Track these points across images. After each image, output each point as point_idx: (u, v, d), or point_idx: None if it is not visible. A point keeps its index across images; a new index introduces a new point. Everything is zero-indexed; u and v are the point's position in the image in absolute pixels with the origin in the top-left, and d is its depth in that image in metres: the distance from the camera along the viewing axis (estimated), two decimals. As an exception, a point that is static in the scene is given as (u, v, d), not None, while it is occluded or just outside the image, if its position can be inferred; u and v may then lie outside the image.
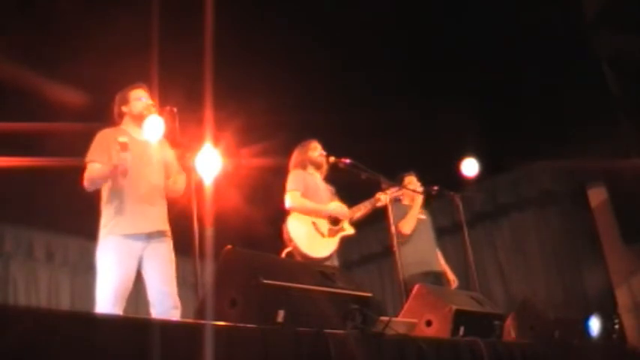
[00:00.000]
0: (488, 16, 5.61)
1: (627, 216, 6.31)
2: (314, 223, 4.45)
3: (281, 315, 2.27)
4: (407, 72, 5.97)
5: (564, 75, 5.86)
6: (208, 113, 4.36)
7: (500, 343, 3.32)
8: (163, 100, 3.72)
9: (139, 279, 3.62)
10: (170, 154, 3.89)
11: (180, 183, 3.81)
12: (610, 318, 5.52)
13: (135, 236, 3.56)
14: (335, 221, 4.56)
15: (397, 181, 4.97)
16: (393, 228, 4.33)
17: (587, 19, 5.76)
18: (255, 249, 2.54)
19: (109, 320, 1.97)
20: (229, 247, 2.42)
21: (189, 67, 4.56)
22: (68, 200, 3.99)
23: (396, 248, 4.24)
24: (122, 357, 1.69)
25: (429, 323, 3.24)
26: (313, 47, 5.63)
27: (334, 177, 4.80)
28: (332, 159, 4.54)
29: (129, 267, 3.52)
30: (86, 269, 6.23)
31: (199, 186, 3.55)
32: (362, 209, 4.65)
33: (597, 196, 6.74)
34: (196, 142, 3.67)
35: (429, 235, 5.22)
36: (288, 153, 4.82)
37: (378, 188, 4.59)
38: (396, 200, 4.94)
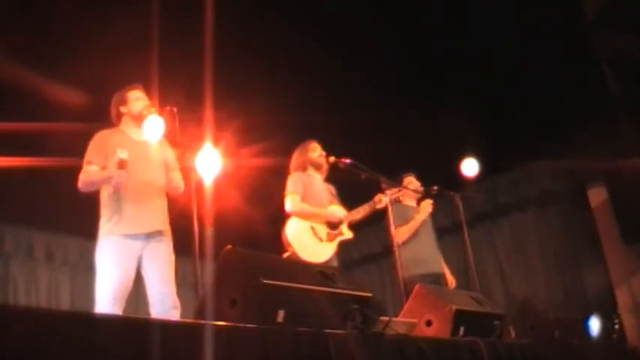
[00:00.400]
0: (488, 16, 5.61)
1: (627, 216, 6.31)
2: (312, 228, 4.46)
3: (281, 315, 2.27)
4: (407, 72, 5.97)
5: (564, 75, 5.86)
6: (208, 113, 4.36)
7: (500, 343, 3.32)
8: (163, 100, 3.72)
9: (138, 279, 3.62)
10: (170, 154, 3.89)
11: (176, 180, 3.81)
12: (610, 318, 5.52)
13: (134, 236, 3.56)
14: (333, 225, 4.56)
15: (397, 181, 4.96)
16: (392, 228, 4.33)
17: (587, 19, 5.76)
18: (255, 249, 2.54)
19: (108, 320, 1.97)
20: (229, 247, 2.42)
21: (189, 67, 4.56)
22: (68, 200, 3.98)
23: (396, 248, 4.24)
24: (122, 357, 1.69)
25: (429, 323, 3.24)
26: (313, 47, 5.63)
27: (334, 177, 4.80)
28: (332, 159, 4.55)
29: (128, 267, 3.52)
30: (86, 269, 6.23)
31: (199, 186, 3.55)
32: (361, 212, 4.65)
33: (597, 196, 6.74)
34: (196, 142, 3.67)
35: (429, 236, 5.21)
36: (288, 153, 4.82)
37: (378, 188, 4.59)
38: (396, 201, 4.94)
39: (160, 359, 1.72)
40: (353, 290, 2.71)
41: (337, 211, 4.62)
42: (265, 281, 2.26)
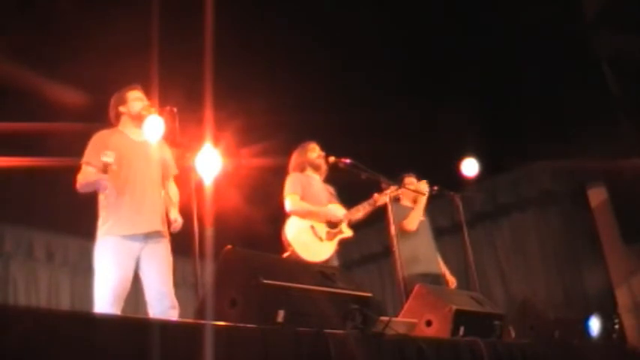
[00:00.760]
0: (488, 16, 5.62)
1: (627, 216, 6.31)
2: (312, 227, 4.46)
3: (281, 315, 2.27)
4: (407, 72, 5.97)
5: (564, 75, 5.86)
6: (208, 113, 4.36)
7: (500, 343, 3.32)
8: (163, 100, 3.72)
9: (137, 279, 3.62)
10: (168, 154, 3.89)
11: (175, 195, 3.82)
12: (610, 318, 5.52)
13: (132, 237, 3.56)
14: (333, 224, 4.57)
15: (397, 181, 4.96)
16: (392, 228, 4.33)
17: (587, 19, 5.76)
18: (255, 249, 2.54)
19: (108, 320, 1.97)
20: (229, 247, 2.42)
21: (189, 67, 4.57)
22: (68, 200, 3.98)
23: (396, 248, 4.24)
24: (122, 357, 1.69)
25: (429, 323, 3.24)
26: (313, 47, 5.63)
27: (334, 177, 4.80)
28: (332, 159, 4.55)
29: (127, 267, 3.52)
30: (86, 269, 6.19)
31: (199, 186, 3.55)
32: (361, 210, 4.65)
33: (597, 196, 6.74)
34: (196, 142, 3.67)
35: (428, 237, 5.21)
36: (288, 153, 4.82)
37: (378, 188, 4.59)
38: (396, 200, 4.94)
39: (159, 359, 1.72)
40: (353, 290, 2.71)
41: (337, 209, 4.62)
42: (265, 281, 2.26)
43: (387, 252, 6.25)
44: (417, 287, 3.41)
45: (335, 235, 4.55)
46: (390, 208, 4.41)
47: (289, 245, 4.34)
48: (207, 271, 3.00)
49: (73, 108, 4.91)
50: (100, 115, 3.95)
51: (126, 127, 3.82)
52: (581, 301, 6.53)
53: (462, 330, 3.23)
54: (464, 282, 5.26)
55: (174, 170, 3.93)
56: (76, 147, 3.74)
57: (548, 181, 7.15)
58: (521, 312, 4.29)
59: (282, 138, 5.36)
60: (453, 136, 5.79)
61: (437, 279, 5.05)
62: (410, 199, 5.25)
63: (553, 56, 5.76)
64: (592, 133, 5.71)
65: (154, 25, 4.56)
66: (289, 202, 4.47)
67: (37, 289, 6.82)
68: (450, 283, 5.19)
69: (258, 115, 5.47)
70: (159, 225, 3.69)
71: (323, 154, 4.67)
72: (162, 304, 3.53)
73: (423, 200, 5.09)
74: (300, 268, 2.77)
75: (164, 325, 1.90)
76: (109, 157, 3.49)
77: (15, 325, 1.47)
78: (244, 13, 5.15)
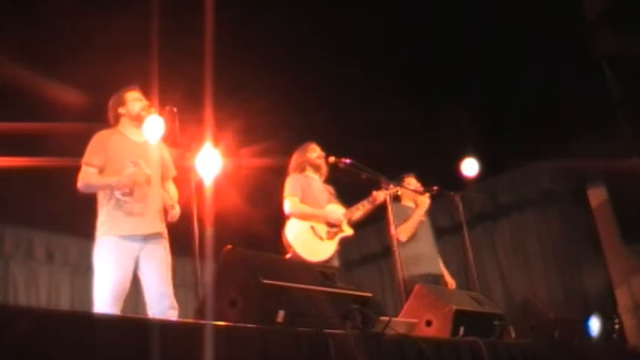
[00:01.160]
0: (488, 16, 5.61)
1: (627, 216, 6.31)
2: (312, 228, 4.47)
3: (281, 315, 2.27)
4: (407, 72, 5.97)
5: (564, 75, 5.85)
6: (208, 113, 4.36)
7: (500, 343, 3.32)
8: (163, 100, 3.72)
9: (137, 280, 3.62)
10: (168, 155, 3.90)
11: (172, 205, 3.81)
12: (610, 318, 5.52)
13: (132, 237, 3.56)
14: (333, 224, 4.57)
15: (397, 181, 4.96)
16: (392, 228, 4.33)
17: (587, 18, 5.75)
18: (255, 249, 2.54)
19: (108, 320, 1.97)
20: (229, 247, 2.42)
21: (189, 67, 4.56)
22: (68, 200, 3.98)
23: (395, 248, 4.24)
24: (122, 357, 1.69)
25: (429, 323, 3.24)
26: (313, 47, 5.63)
27: (334, 177, 4.80)
28: (332, 159, 4.55)
29: (126, 268, 3.53)
30: (86, 269, 6.20)
31: (199, 186, 3.55)
32: (360, 208, 4.65)
33: (597, 196, 6.74)
34: (196, 142, 3.67)
35: (428, 237, 5.21)
36: (288, 153, 4.83)
37: (378, 188, 4.59)
38: (396, 200, 4.94)
39: (159, 359, 1.72)
40: (353, 290, 2.71)
41: (336, 210, 4.62)
42: (265, 281, 2.26)
43: (387, 252, 6.26)
44: (417, 287, 3.41)
45: (335, 234, 4.55)
46: (390, 207, 4.41)
47: (290, 246, 4.35)
48: (207, 271, 3.00)
49: (73, 108, 4.91)
50: (100, 115, 3.95)
51: (125, 127, 3.82)
52: (581, 301, 6.53)
53: (462, 330, 3.23)
54: (464, 282, 5.27)
55: (173, 171, 3.94)
56: (76, 147, 3.75)
57: (548, 181, 7.14)
58: (521, 312, 4.29)
59: (282, 138, 5.36)
60: (453, 136, 5.79)
61: (437, 280, 5.06)
62: (411, 199, 5.25)
63: (553, 56, 5.76)
64: (592, 133, 5.71)
65: (153, 25, 4.56)
66: (288, 205, 4.48)
67: (37, 289, 6.81)
68: (449, 285, 5.18)
69: (258, 115, 5.46)
70: (158, 226, 3.69)
71: (323, 154, 4.67)
72: (161, 304, 3.53)
73: (421, 211, 5.09)
74: (300, 268, 2.77)
75: (164, 325, 1.90)
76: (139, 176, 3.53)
77: (15, 325, 1.47)
78: (244, 13, 5.15)
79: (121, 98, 3.84)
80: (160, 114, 3.62)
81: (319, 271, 2.70)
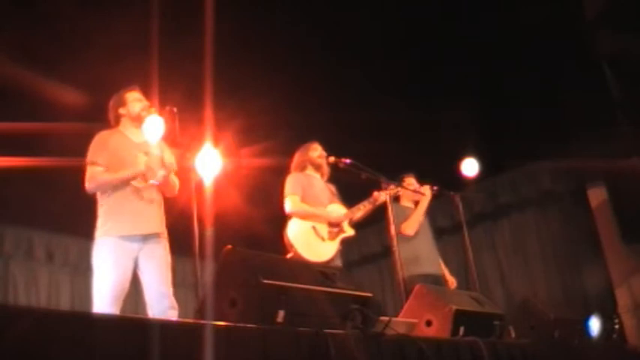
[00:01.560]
0: (488, 15, 5.61)
1: (627, 216, 6.31)
2: (314, 228, 4.46)
3: (281, 315, 2.27)
4: (407, 72, 5.97)
5: (564, 75, 5.85)
6: (208, 113, 4.36)
7: (500, 343, 3.32)
8: (163, 100, 3.72)
9: (137, 280, 3.62)
10: (167, 155, 3.89)
11: (173, 182, 3.79)
12: (610, 318, 5.51)
13: (131, 238, 3.56)
14: (334, 224, 4.56)
15: (397, 181, 4.96)
16: (392, 228, 4.33)
17: (587, 18, 5.75)
18: (255, 249, 2.54)
19: (108, 320, 1.97)
20: (229, 247, 2.42)
21: (189, 67, 4.56)
22: (68, 200, 3.99)
23: (396, 248, 4.24)
24: (122, 357, 1.69)
25: (429, 323, 3.24)
26: (313, 47, 5.63)
27: (334, 177, 4.80)
28: (332, 159, 4.55)
29: (125, 268, 3.53)
30: (86, 269, 6.18)
31: (199, 186, 3.55)
32: (361, 209, 4.65)
33: (597, 196, 6.74)
34: (196, 142, 3.67)
35: (428, 237, 5.21)
36: (288, 153, 4.82)
37: (378, 188, 4.59)
38: (396, 201, 4.94)
39: (159, 359, 1.72)
40: (353, 290, 2.71)
41: (337, 210, 4.62)
42: (265, 281, 2.26)
43: (387, 252, 6.26)
44: (417, 287, 3.41)
45: (337, 234, 4.55)
46: (390, 208, 4.40)
47: (291, 246, 4.34)
48: (207, 271, 3.00)
49: (73, 108, 4.91)
50: (100, 115, 3.96)
51: (126, 128, 3.82)
52: (581, 301, 6.53)
53: (462, 330, 3.23)
54: (464, 282, 5.26)
55: (173, 167, 3.92)
56: (76, 147, 3.75)
57: (548, 181, 7.14)
58: (521, 312, 4.29)
59: (282, 138, 5.36)
60: (452, 136, 5.79)
61: (437, 279, 5.05)
62: (410, 200, 5.25)
63: (553, 56, 5.76)
64: (592, 133, 5.71)
65: (153, 25, 4.56)
66: (289, 203, 4.47)
67: (37, 289, 6.81)
68: (450, 284, 5.19)
69: (258, 115, 5.46)
70: (158, 227, 3.69)
71: (325, 154, 4.67)
72: (161, 304, 3.54)
73: (424, 204, 5.09)
74: (300, 268, 2.77)
75: (164, 325, 1.90)
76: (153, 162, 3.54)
77: (15, 325, 1.47)
78: (244, 13, 5.15)
79: (122, 99, 3.84)
80: (160, 114, 3.62)
81: (319, 271, 2.70)
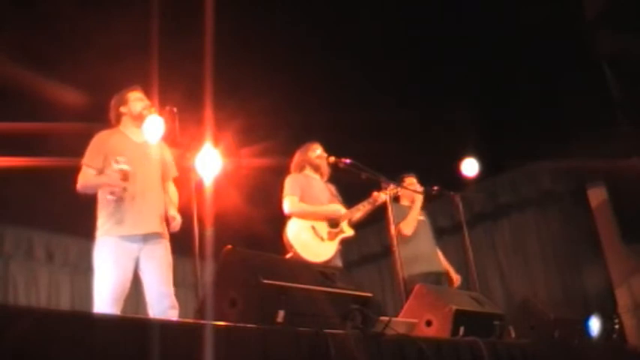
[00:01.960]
0: (488, 15, 5.61)
1: (627, 216, 6.31)
2: (313, 228, 4.47)
3: (281, 315, 2.27)
4: (407, 72, 5.97)
5: (564, 75, 5.85)
6: (208, 113, 4.36)
7: (500, 343, 3.32)
8: (163, 100, 3.72)
9: (138, 280, 3.62)
10: (168, 155, 3.89)
11: (173, 210, 3.80)
12: (610, 318, 5.51)
13: (131, 237, 3.56)
14: (334, 224, 4.57)
15: (397, 181, 4.96)
16: (392, 228, 4.33)
17: (587, 18, 5.75)
18: (255, 249, 2.54)
19: (108, 320, 1.97)
20: (229, 247, 2.42)
21: (189, 67, 4.56)
22: (68, 200, 3.98)
23: (396, 248, 4.24)
24: (122, 357, 1.69)
25: (429, 323, 3.24)
26: (313, 47, 5.63)
27: (334, 177, 4.80)
28: (332, 159, 4.55)
29: (126, 268, 3.53)
30: (86, 269, 6.20)
31: (199, 186, 3.55)
32: (361, 209, 4.65)
33: (597, 196, 6.74)
34: (196, 142, 3.67)
35: (428, 236, 5.21)
36: (288, 153, 4.83)
37: (378, 188, 4.59)
38: (395, 200, 4.94)
39: (159, 359, 1.72)
40: (353, 290, 2.71)
41: (340, 209, 4.63)
42: (265, 281, 2.26)
43: (387, 252, 6.26)
44: (417, 287, 3.41)
45: (336, 234, 4.55)
46: (390, 207, 4.41)
47: (291, 246, 4.34)
48: (207, 271, 3.00)
49: (73, 108, 4.91)
50: (100, 115, 3.96)
51: (127, 127, 3.82)
52: (581, 301, 6.53)
53: (462, 330, 3.22)
54: (464, 282, 5.26)
55: (173, 172, 3.94)
56: (76, 147, 3.75)
57: (548, 181, 7.14)
58: (521, 312, 4.29)
59: (282, 138, 5.36)
60: (452, 136, 5.79)
61: (439, 277, 5.06)
62: (410, 200, 5.25)
63: (553, 56, 5.76)
64: (592, 133, 5.71)
65: (153, 26, 4.56)
66: (288, 204, 4.48)
67: (37, 289, 6.81)
68: (455, 280, 5.19)
69: (258, 115, 5.46)
70: (158, 226, 3.69)
71: (324, 154, 4.67)
72: (162, 304, 3.54)
73: (418, 203, 5.09)
74: (300, 268, 2.77)
75: (164, 325, 1.90)
76: (124, 165, 3.50)
77: (15, 325, 1.47)
78: (244, 13, 5.15)
79: (123, 98, 3.85)
80: (160, 114, 3.62)
81: (319, 271, 2.70)
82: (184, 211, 3.65)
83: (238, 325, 2.12)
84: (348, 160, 4.45)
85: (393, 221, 4.37)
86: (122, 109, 3.83)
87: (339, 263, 4.50)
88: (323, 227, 4.52)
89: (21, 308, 1.89)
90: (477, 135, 5.82)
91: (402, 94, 5.94)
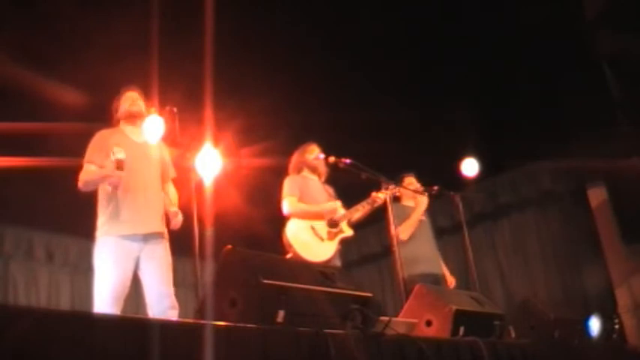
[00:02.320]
0: (488, 15, 5.61)
1: (627, 216, 6.31)
2: (312, 228, 4.47)
3: (281, 315, 2.27)
4: (407, 72, 5.97)
5: (564, 75, 5.85)
6: (208, 113, 4.36)
7: (500, 343, 3.32)
8: (163, 100, 3.72)
9: (137, 279, 3.62)
10: (167, 155, 3.90)
11: (173, 209, 3.80)
12: (610, 318, 5.51)
13: (131, 237, 3.56)
14: (333, 224, 4.57)
15: (397, 181, 4.96)
16: (392, 228, 4.33)
17: (587, 18, 5.75)
18: (255, 249, 2.54)
19: (108, 320, 1.97)
20: (229, 247, 2.42)
21: (189, 67, 4.56)
22: (68, 200, 3.98)
23: (395, 248, 4.24)
24: (122, 357, 1.69)
25: (429, 323, 3.24)
26: (313, 47, 5.63)
27: (334, 177, 4.80)
28: (332, 159, 4.55)
29: (126, 268, 3.53)
30: (86, 269, 6.21)
31: (199, 186, 3.55)
32: (360, 209, 4.65)
33: (597, 196, 6.74)
34: (196, 142, 3.67)
35: (428, 237, 5.21)
36: (288, 153, 4.83)
37: (378, 188, 4.59)
38: (396, 200, 4.94)
39: (159, 359, 1.72)
40: (353, 290, 2.71)
41: (339, 208, 4.63)
42: (265, 281, 2.26)
43: (387, 252, 6.25)
44: (417, 287, 3.41)
45: (336, 234, 4.56)
46: (390, 208, 4.40)
47: (290, 247, 4.35)
48: (207, 271, 3.00)
49: (73, 108, 4.91)
50: (100, 115, 3.96)
51: (126, 127, 3.83)
52: (581, 301, 6.53)
53: (462, 330, 3.22)
54: (464, 282, 5.26)
55: (172, 173, 3.94)
56: (76, 147, 3.75)
57: (548, 181, 7.14)
58: (521, 312, 4.29)
59: (282, 138, 5.36)
60: (452, 136, 5.79)
61: (437, 279, 5.05)
62: (411, 199, 5.25)
63: (553, 56, 5.76)
64: (592, 133, 5.71)
65: (153, 26, 4.56)
66: (287, 205, 4.50)
67: (37, 289, 6.81)
68: (449, 283, 5.18)
69: (258, 115, 5.46)
70: (158, 226, 3.69)
71: (321, 155, 4.67)
72: (161, 304, 3.54)
73: (420, 210, 5.09)
74: (300, 268, 2.77)
75: (164, 325, 1.90)
76: (120, 154, 3.50)
77: (15, 325, 1.47)
78: (244, 13, 5.15)
79: (119, 99, 3.87)
80: (160, 114, 3.62)
81: (319, 271, 2.70)
82: (184, 211, 3.66)
83: (238, 325, 2.12)
84: (348, 160, 4.45)
85: (394, 221, 4.37)
86: (119, 110, 3.85)
87: (338, 263, 4.50)
88: (322, 227, 4.52)
89: (21, 308, 1.88)
90: (477, 135, 5.82)
91: (402, 94, 5.94)
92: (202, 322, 2.04)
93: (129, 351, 1.71)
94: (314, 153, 4.72)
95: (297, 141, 4.85)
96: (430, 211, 5.40)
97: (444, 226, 7.15)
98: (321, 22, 5.60)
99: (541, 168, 7.10)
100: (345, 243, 4.67)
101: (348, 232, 4.62)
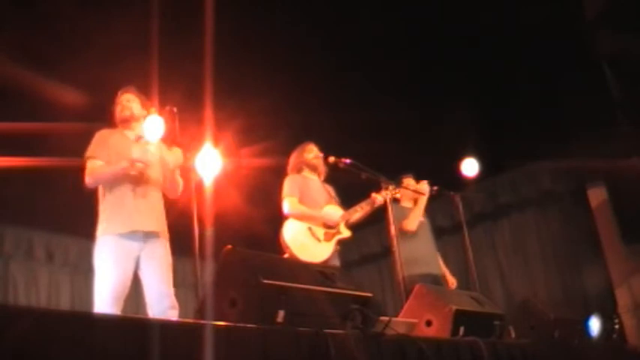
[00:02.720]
0: (488, 15, 5.61)
1: (627, 216, 6.31)
2: (309, 229, 4.48)
3: (281, 315, 2.27)
4: (407, 72, 5.97)
5: (564, 75, 5.85)
6: (208, 113, 4.36)
7: (500, 343, 3.32)
8: (163, 100, 3.72)
9: (137, 279, 3.62)
10: (167, 154, 3.89)
11: (174, 179, 3.79)
12: (610, 318, 5.52)
13: (131, 236, 3.56)
14: (331, 226, 4.57)
15: (396, 182, 4.96)
16: (392, 228, 4.33)
17: (587, 18, 5.75)
18: (255, 249, 2.54)
19: (108, 320, 1.97)
20: (229, 247, 2.42)
21: (189, 67, 4.56)
22: (68, 200, 3.99)
23: (395, 248, 4.24)
24: (122, 357, 1.69)
25: (429, 323, 3.24)
26: (313, 47, 5.63)
27: (334, 177, 4.80)
28: (332, 159, 4.55)
29: (126, 267, 3.53)
30: (86, 269, 6.21)
31: (199, 186, 3.55)
32: (359, 210, 4.65)
33: (597, 196, 6.74)
34: (196, 142, 3.67)
35: (428, 237, 5.21)
36: (288, 153, 4.83)
37: (377, 188, 4.59)
38: (395, 201, 4.94)
39: (159, 359, 1.72)
40: (353, 290, 2.71)
41: (333, 212, 4.62)
42: (265, 281, 2.26)
43: (387, 252, 6.26)
44: (417, 287, 3.41)
45: (333, 235, 4.56)
46: (389, 208, 4.40)
47: (287, 247, 4.35)
48: (207, 271, 3.00)
49: (73, 108, 4.91)
50: (100, 115, 3.96)
51: (125, 128, 3.83)
52: (581, 301, 6.53)
53: (462, 330, 3.23)
54: (464, 282, 5.26)
55: (173, 171, 3.92)
56: (76, 147, 3.75)
57: (548, 181, 7.14)
58: (521, 312, 4.29)
59: (282, 138, 5.36)
60: (452, 136, 5.79)
61: (437, 279, 5.05)
62: (410, 200, 5.25)
63: (553, 56, 5.76)
64: (592, 133, 5.71)
65: (153, 25, 4.56)
66: (287, 205, 4.50)
67: (37, 289, 6.81)
68: (450, 284, 5.18)
69: (258, 115, 5.46)
70: (158, 226, 3.69)
71: (320, 155, 4.67)
72: (161, 304, 3.53)
73: (423, 200, 5.09)
74: (300, 268, 2.77)
75: (164, 325, 1.90)
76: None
77: (15, 325, 1.47)
78: (244, 13, 5.15)
79: (115, 101, 3.87)
80: (160, 114, 3.62)
81: (319, 271, 2.70)
82: (184, 211, 3.65)
83: (238, 325, 2.12)
84: (348, 160, 4.45)
85: (393, 222, 4.37)
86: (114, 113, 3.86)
87: (336, 264, 4.49)
88: (320, 228, 4.52)
89: (21, 308, 1.88)
90: (477, 135, 5.82)
91: (402, 94, 5.94)
92: (202, 322, 2.04)
93: (129, 351, 1.71)
94: (313, 152, 4.72)
95: (297, 141, 4.85)
96: (430, 211, 5.40)
97: (444, 226, 7.15)
98: (321, 22, 5.60)
99: (541, 168, 7.10)
100: (345, 243, 4.66)
101: (346, 234, 4.62)
